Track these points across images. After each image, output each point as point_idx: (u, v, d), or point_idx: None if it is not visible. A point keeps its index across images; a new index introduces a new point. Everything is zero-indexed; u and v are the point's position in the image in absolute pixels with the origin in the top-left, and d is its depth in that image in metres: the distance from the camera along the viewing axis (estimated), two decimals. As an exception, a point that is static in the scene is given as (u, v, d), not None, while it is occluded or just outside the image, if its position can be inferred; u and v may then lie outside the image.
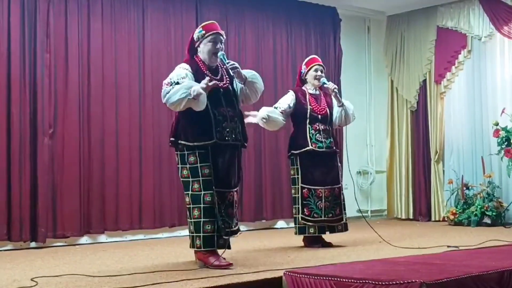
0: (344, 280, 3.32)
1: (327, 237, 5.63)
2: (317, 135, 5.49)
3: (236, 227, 4.45)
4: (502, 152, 7.38)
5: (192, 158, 4.30)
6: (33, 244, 5.91)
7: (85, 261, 4.92)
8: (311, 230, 5.46)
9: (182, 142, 4.32)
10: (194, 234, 4.27)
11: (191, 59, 4.48)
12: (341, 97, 5.74)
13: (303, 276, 3.52)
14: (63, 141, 6.14)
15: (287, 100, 5.59)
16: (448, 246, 5.15)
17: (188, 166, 4.30)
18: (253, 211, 7.46)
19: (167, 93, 4.23)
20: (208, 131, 4.28)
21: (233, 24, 7.48)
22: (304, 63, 5.73)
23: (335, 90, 5.52)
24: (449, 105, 8.32)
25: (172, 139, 4.39)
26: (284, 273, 3.67)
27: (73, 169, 6.16)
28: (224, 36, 4.56)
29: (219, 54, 4.41)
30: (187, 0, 7.11)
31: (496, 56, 7.93)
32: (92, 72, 6.40)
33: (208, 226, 4.23)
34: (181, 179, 4.37)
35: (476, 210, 7.40)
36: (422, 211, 8.42)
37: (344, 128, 8.21)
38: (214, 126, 4.29)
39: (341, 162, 8.07)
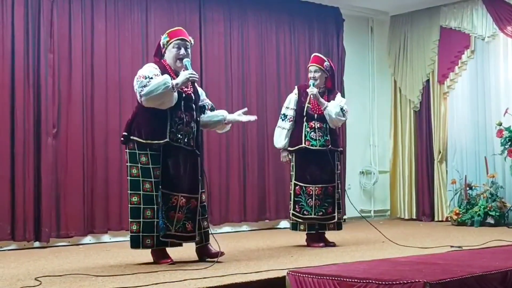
0: (347, 280, 3.32)
1: (331, 237, 5.63)
2: (312, 133, 5.50)
3: (180, 232, 4.41)
4: (506, 152, 7.37)
5: (143, 159, 4.34)
6: (36, 243, 5.92)
7: (89, 260, 4.92)
8: (301, 227, 5.49)
9: (135, 138, 4.35)
10: (145, 234, 4.32)
11: (159, 61, 4.55)
12: (342, 95, 5.72)
13: (306, 276, 3.52)
14: (66, 141, 6.15)
15: (291, 103, 5.62)
16: (451, 246, 5.15)
17: (139, 165, 4.34)
18: (256, 211, 7.46)
19: (144, 86, 4.26)
20: (161, 131, 4.33)
21: (236, 24, 7.48)
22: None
23: (311, 95, 5.46)
24: (452, 105, 8.31)
25: (124, 133, 4.41)
26: (287, 273, 3.66)
27: (77, 169, 6.17)
28: (191, 42, 4.59)
29: (184, 60, 4.44)
30: (190, 0, 7.12)
31: (499, 56, 7.92)
32: (96, 72, 6.40)
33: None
34: (129, 177, 4.38)
35: (479, 210, 7.39)
36: (425, 211, 8.41)
37: (346, 128, 8.26)
38: (168, 127, 4.34)
39: (343, 161, 8.14)
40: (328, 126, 5.56)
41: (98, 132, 6.37)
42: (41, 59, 6.03)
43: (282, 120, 5.63)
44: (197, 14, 7.14)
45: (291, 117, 5.58)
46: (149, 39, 6.77)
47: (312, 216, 5.46)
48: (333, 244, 5.54)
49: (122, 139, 4.46)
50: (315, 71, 5.56)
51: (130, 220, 4.39)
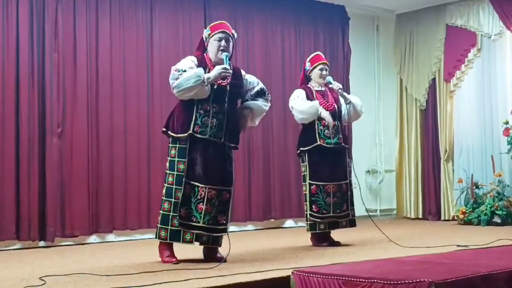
0: (352, 279, 3.31)
1: (336, 236, 5.62)
2: (326, 131, 5.49)
3: (210, 225, 4.41)
4: (512, 150, 7.35)
5: (173, 151, 4.45)
6: (41, 243, 5.93)
7: (94, 260, 4.92)
8: (321, 227, 5.45)
9: (169, 132, 4.48)
10: (161, 226, 4.41)
11: (201, 55, 4.60)
12: (348, 93, 5.72)
13: (311, 275, 3.51)
14: (71, 140, 6.16)
15: (304, 95, 5.54)
16: (458, 246, 5.13)
17: (169, 158, 4.47)
18: (262, 210, 7.46)
19: (176, 78, 4.34)
20: (187, 124, 4.39)
21: (241, 23, 7.47)
22: (308, 59, 5.71)
23: (339, 90, 5.52)
24: (459, 104, 8.29)
25: (163, 128, 4.54)
26: (292, 272, 3.66)
27: (82, 168, 6.18)
28: (234, 35, 4.61)
29: (223, 54, 4.47)
30: (195, -1, 7.13)
31: (506, 54, 7.89)
32: (101, 71, 6.41)
33: (176, 221, 4.36)
34: (165, 170, 4.52)
35: (486, 209, 7.37)
36: (431, 210, 8.40)
37: (352, 127, 8.25)
38: (193, 119, 4.39)
39: (350, 159, 8.13)
40: (340, 124, 5.57)
41: (103, 132, 6.38)
42: (46, 58, 6.05)
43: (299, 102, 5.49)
44: (201, 13, 7.14)
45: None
46: (153, 38, 6.78)
47: (331, 214, 5.45)
48: (338, 244, 5.53)
49: (163, 133, 4.58)
50: (326, 70, 5.63)
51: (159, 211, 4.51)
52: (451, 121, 8.27)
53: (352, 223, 5.63)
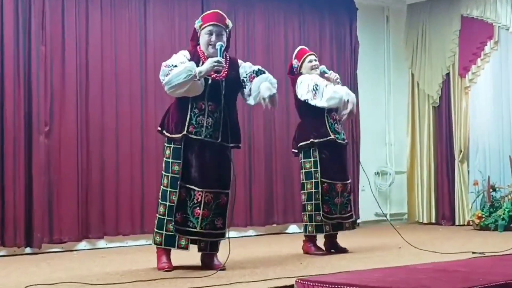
0: (360, 288, 3.32)
1: (342, 241, 5.62)
2: (335, 125, 5.50)
3: (207, 230, 4.42)
4: (532, 151, 7.35)
5: (167, 152, 4.50)
6: (28, 249, 5.93)
7: (83, 268, 4.92)
8: (327, 229, 5.44)
9: (164, 132, 4.52)
10: (157, 231, 4.45)
11: (194, 49, 4.61)
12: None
13: (316, 284, 3.51)
14: (59, 139, 6.16)
15: (315, 80, 5.43)
16: (473, 253, 5.13)
17: (164, 159, 4.51)
18: (263, 215, 7.47)
19: (166, 74, 4.35)
20: (181, 124, 4.42)
21: (241, 14, 7.49)
22: (294, 56, 5.69)
23: (337, 80, 5.50)
24: (475, 100, 8.28)
25: (158, 128, 4.59)
26: (296, 281, 3.66)
27: (71, 170, 6.18)
28: (228, 26, 4.60)
29: (217, 44, 4.47)
30: (192, -12, 7.13)
31: (525, 47, 7.91)
32: (91, 66, 6.41)
33: (171, 226, 4.39)
34: (161, 171, 4.57)
35: (503, 214, 7.36)
36: (445, 214, 8.40)
37: (360, 124, 8.26)
38: (188, 118, 4.41)
39: (356, 160, 8.13)
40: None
41: (94, 131, 6.38)
42: (32, 52, 6.04)
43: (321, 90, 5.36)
44: (199, 4, 7.14)
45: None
46: (147, 31, 6.78)
47: (337, 215, 5.46)
48: (345, 250, 5.53)
49: (158, 132, 4.63)
50: (315, 60, 5.62)
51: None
52: (466, 119, 8.26)
53: (354, 225, 5.70)
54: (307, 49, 5.75)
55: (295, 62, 5.66)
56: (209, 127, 4.44)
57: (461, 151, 8.25)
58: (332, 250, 5.52)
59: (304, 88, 5.44)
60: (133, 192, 6.53)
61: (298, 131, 5.59)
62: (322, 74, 5.61)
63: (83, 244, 6.28)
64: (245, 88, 4.59)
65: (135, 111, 6.65)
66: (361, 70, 8.45)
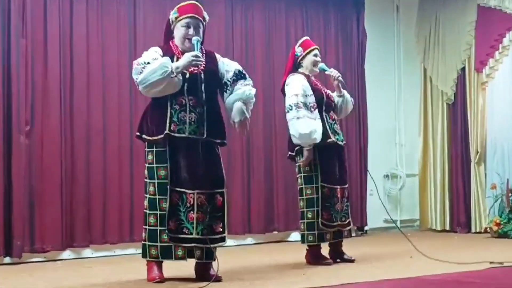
0: (367, 302, 3.28)
1: (349, 250, 5.59)
2: (335, 125, 5.51)
3: (205, 235, 4.40)
4: (555, 152, 7.33)
5: (150, 157, 4.48)
6: (7, 259, 5.92)
7: (68, 279, 4.90)
8: (328, 237, 5.43)
9: (144, 136, 4.50)
10: (150, 244, 4.40)
11: (166, 44, 4.62)
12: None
13: (319, 297, 3.48)
14: (42, 140, 6.15)
15: (308, 89, 5.39)
16: (491, 263, 5.11)
17: (147, 165, 4.49)
18: (263, 222, 7.46)
19: (139, 73, 4.35)
20: (162, 123, 4.40)
21: (238, 6, 7.49)
22: (299, 44, 5.66)
23: (339, 78, 5.49)
24: (492, 97, 8.28)
25: (137, 133, 4.57)
26: (297, 293, 3.63)
27: (54, 173, 6.16)
28: (205, 19, 4.63)
29: (193, 39, 4.49)
30: (185, -23, 7.09)
31: (547, 40, 7.89)
32: (76, 61, 6.40)
33: (165, 236, 4.36)
34: (144, 179, 4.53)
35: (524, 220, 7.36)
36: (460, 221, 8.39)
37: (367, 123, 8.24)
38: (169, 116, 4.40)
39: (364, 162, 8.12)
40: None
41: (79, 131, 6.37)
42: (12, 45, 6.02)
43: (306, 109, 5.30)
44: (193, -6, 7.11)
45: (314, 104, 5.36)
46: (137, 23, 6.77)
47: (338, 222, 5.45)
48: (351, 260, 5.50)
49: (137, 138, 4.61)
50: (319, 56, 5.63)
51: (143, 226, 4.52)
52: (483, 117, 8.24)
53: (350, 234, 5.72)
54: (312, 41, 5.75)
55: (299, 50, 5.61)
56: (192, 123, 4.43)
57: (477, 152, 8.23)
58: (338, 260, 5.50)
59: (290, 92, 5.39)
60: (122, 197, 6.51)
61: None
62: (320, 72, 5.63)
63: (67, 254, 6.26)
64: (226, 92, 4.61)
65: (124, 109, 6.63)
66: (369, 65, 8.44)
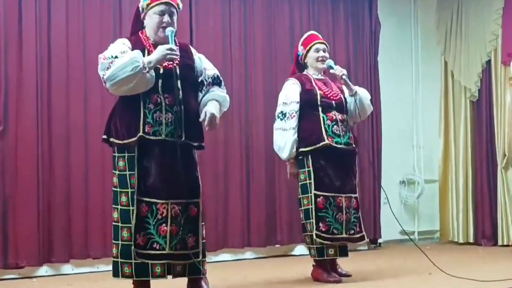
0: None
1: (360, 264, 5.63)
2: (334, 126, 5.51)
3: (177, 251, 4.41)
4: None
5: (121, 163, 4.43)
6: (-23, 276, 5.94)
7: (45, 298, 4.94)
8: (331, 252, 5.43)
9: (113, 140, 4.45)
10: (123, 260, 4.37)
11: (134, 35, 4.60)
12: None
13: (327, 317, 3.53)
14: (16, 141, 6.15)
15: (291, 96, 5.55)
16: (519, 279, 5.15)
17: (117, 173, 4.44)
18: (264, 234, 7.47)
19: (107, 68, 4.31)
20: (134, 124, 4.37)
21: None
22: (300, 43, 5.76)
23: (343, 76, 5.52)
24: (521, 94, 8.31)
25: (103, 136, 4.52)
26: (302, 313, 3.68)
27: (29, 178, 6.16)
28: (179, 7, 4.62)
29: (167, 30, 4.47)
30: (177, -42, 7.14)
31: None
32: (54, 53, 6.41)
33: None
34: (112, 188, 4.49)
35: (556, 232, 7.39)
36: (485, 232, 8.41)
37: (381, 124, 8.25)
38: (142, 117, 4.37)
39: (377, 167, 8.15)
40: (348, 119, 5.62)
41: (58, 131, 6.37)
42: (-18, 37, 6.06)
43: (281, 119, 5.56)
44: (186, -23, 7.17)
45: (293, 112, 5.53)
46: (123, 9, 6.76)
47: (344, 235, 5.44)
48: (347, 275, 5.53)
49: (103, 142, 4.55)
50: (324, 50, 5.67)
51: (112, 241, 4.46)
52: (511, 116, 8.27)
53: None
54: (318, 35, 5.78)
55: (300, 49, 5.73)
56: (169, 124, 4.41)
57: (505, 155, 8.26)
58: (335, 278, 5.46)
59: (280, 100, 5.63)
60: (106, 205, 6.45)
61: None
62: (327, 70, 5.69)
63: (44, 270, 6.27)
64: (201, 92, 4.64)
65: (107, 107, 6.54)
66: (383, 57, 8.47)
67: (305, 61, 5.71)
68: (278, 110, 5.60)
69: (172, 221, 4.38)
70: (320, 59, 5.64)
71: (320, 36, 5.79)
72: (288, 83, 5.66)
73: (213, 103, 4.56)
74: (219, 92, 4.65)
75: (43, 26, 6.37)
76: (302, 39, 5.77)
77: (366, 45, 8.34)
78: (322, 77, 5.70)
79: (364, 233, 5.59)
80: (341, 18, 8.19)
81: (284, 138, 5.52)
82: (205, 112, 4.47)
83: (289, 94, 5.57)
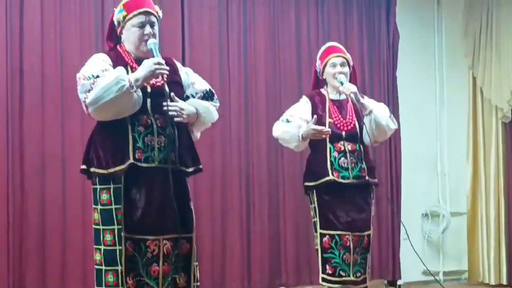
0: None
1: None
2: (341, 158, 5.51)
3: None
4: None
5: (104, 196, 4.36)
6: None
7: None
8: None
9: (94, 170, 4.37)
10: None
11: (114, 50, 4.57)
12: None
13: None
14: (-17, 164, 6.16)
15: (300, 111, 5.62)
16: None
17: (99, 207, 4.38)
18: (267, 273, 7.47)
19: (88, 90, 4.22)
20: (121, 151, 4.32)
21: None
22: (318, 56, 5.76)
23: (351, 94, 5.48)
24: (561, 114, 8.33)
25: (82, 166, 4.45)
26: None
27: (-1, 209, 6.16)
28: (159, 16, 4.58)
29: (149, 43, 4.43)
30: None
31: None
32: (26, 63, 6.46)
33: None
34: (93, 225, 4.43)
35: None
36: (520, 273, 8.40)
37: (401, 149, 8.23)
38: (131, 142, 4.32)
39: (396, 198, 8.12)
40: (362, 149, 5.59)
41: (31, 155, 6.39)
42: None
43: (287, 122, 5.65)
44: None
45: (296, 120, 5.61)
46: (105, 13, 6.77)
47: (351, 278, 5.45)
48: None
49: (81, 172, 4.48)
50: (342, 65, 5.63)
51: (95, 287, 4.41)
52: (549, 139, 8.29)
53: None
54: (338, 47, 5.76)
55: (317, 64, 5.72)
56: (162, 148, 4.38)
57: (542, 183, 8.28)
58: None
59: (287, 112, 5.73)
60: (85, 237, 6.44)
61: (305, 165, 5.76)
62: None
63: (15, 313, 6.28)
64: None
65: (87, 127, 6.57)
66: (402, 71, 8.48)
67: (324, 77, 5.70)
68: (284, 117, 5.66)
69: (165, 259, 4.36)
70: (336, 75, 5.61)
71: (339, 46, 5.77)
72: (299, 103, 5.72)
73: (191, 106, 4.52)
74: (203, 102, 4.61)
75: (14, 32, 6.46)
76: (320, 52, 5.76)
77: (383, 57, 8.35)
78: (341, 98, 5.65)
79: (366, 275, 5.58)
80: (354, 27, 8.20)
81: (289, 127, 5.60)
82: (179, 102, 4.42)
83: (293, 112, 5.64)
